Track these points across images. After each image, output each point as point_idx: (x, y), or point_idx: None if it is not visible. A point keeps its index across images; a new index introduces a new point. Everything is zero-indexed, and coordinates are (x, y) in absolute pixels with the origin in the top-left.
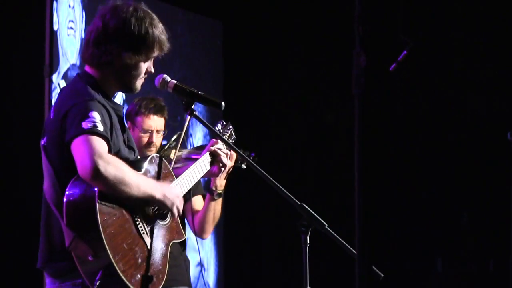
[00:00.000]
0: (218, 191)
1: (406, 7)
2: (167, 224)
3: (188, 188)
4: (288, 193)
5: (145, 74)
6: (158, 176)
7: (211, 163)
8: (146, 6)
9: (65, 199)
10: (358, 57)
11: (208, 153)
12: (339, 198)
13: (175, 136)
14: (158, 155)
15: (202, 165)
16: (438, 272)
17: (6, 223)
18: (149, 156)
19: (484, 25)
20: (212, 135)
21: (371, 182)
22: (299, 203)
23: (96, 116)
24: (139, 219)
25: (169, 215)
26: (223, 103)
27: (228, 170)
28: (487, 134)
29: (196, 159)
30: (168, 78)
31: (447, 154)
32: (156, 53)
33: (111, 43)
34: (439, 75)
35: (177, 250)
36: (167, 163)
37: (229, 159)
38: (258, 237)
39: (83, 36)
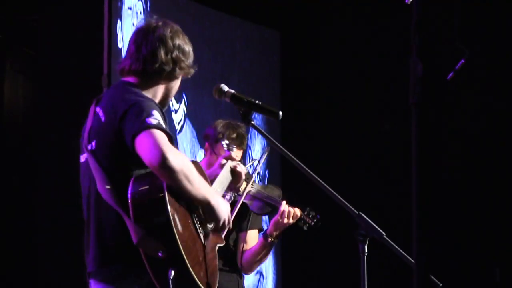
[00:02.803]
0: (271, 239)
1: (463, 15)
2: (212, 227)
3: None
4: (345, 202)
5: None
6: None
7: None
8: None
9: (130, 197)
10: (415, 66)
11: (226, 168)
12: (396, 207)
13: (248, 163)
14: (197, 161)
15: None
16: (496, 282)
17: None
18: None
19: None
20: (270, 145)
21: (428, 191)
22: (357, 212)
23: (158, 115)
24: (196, 218)
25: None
26: (280, 112)
27: (286, 226)
28: None
29: (265, 203)
30: (225, 88)
31: (506, 163)
32: (191, 71)
33: (162, 53)
34: (498, 86)
35: (232, 266)
36: (203, 170)
37: (291, 218)
38: (315, 246)
39: None
